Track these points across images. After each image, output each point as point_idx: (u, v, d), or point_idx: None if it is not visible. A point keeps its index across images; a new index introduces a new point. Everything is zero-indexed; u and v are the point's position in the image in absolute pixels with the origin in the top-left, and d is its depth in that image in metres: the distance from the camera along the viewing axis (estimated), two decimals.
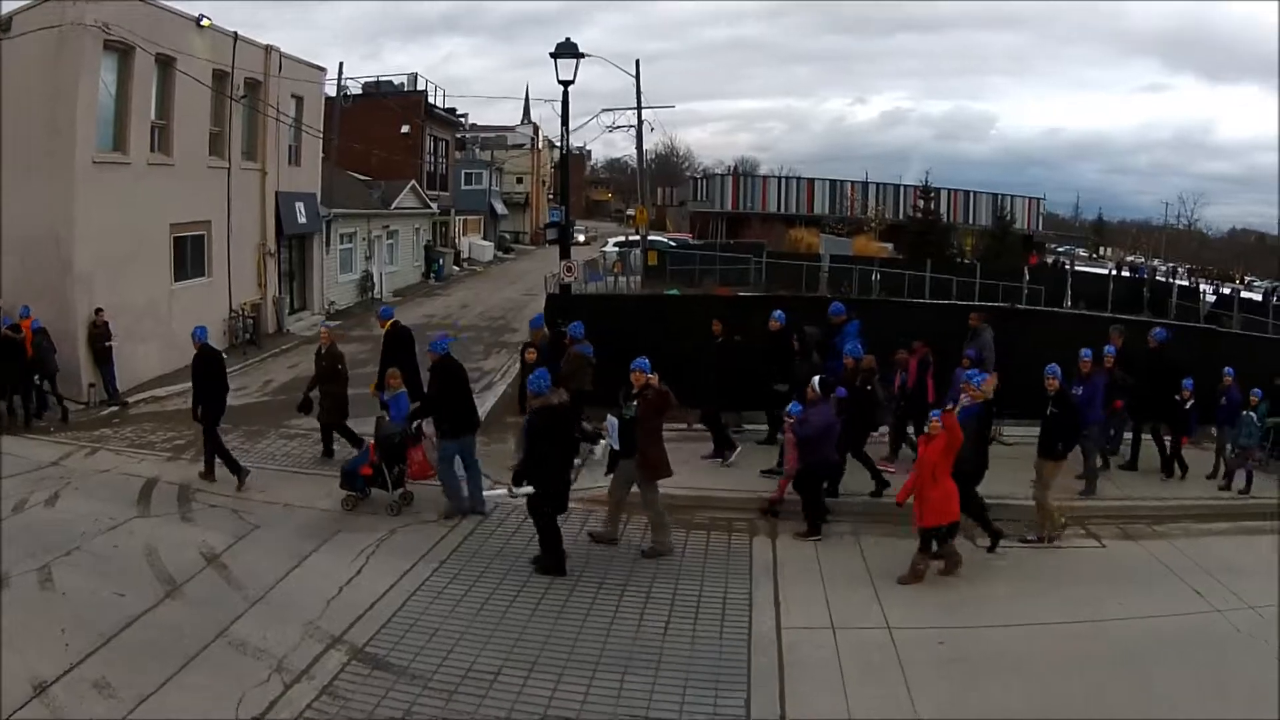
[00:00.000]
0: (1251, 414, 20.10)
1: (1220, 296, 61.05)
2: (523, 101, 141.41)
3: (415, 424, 18.68)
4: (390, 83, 68.63)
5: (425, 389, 19.11)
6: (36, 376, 24.09)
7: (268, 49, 37.95)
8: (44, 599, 13.91)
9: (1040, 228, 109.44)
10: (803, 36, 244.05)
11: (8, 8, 25.82)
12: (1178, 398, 20.32)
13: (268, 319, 38.60)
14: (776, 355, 20.79)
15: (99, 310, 26.44)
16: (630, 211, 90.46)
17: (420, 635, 13.25)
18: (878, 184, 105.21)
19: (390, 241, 57.25)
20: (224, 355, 21.57)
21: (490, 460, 19.49)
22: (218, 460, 19.91)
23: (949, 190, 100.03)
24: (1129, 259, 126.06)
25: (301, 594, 14.45)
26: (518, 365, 23.32)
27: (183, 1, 30.83)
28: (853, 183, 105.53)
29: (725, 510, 18.49)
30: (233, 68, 34.67)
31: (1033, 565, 16.42)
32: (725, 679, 12.29)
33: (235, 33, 34.73)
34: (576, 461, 18.97)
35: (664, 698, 11.81)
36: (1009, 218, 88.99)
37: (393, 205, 56.65)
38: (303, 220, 42.11)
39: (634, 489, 16.86)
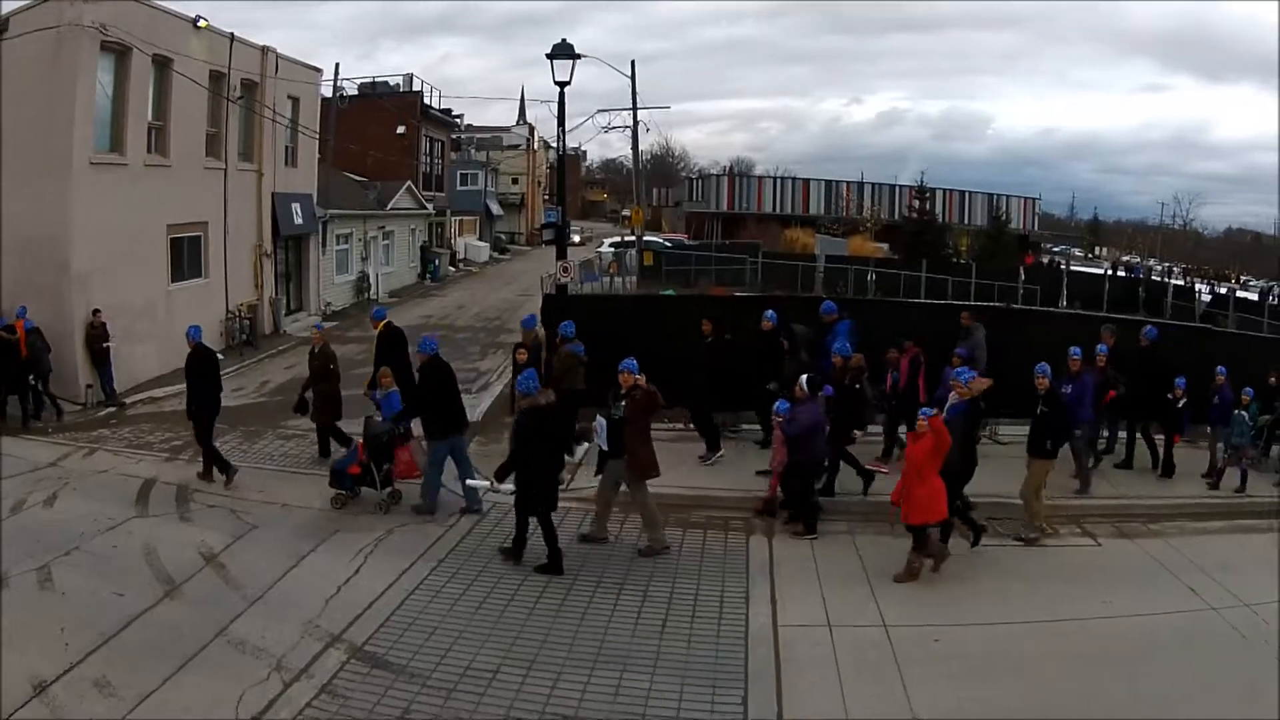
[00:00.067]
0: (1243, 413, 20.18)
1: (1215, 296, 61.08)
2: (518, 102, 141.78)
3: (403, 424, 18.77)
4: (386, 83, 68.58)
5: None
6: (31, 376, 24.07)
7: (264, 50, 37.97)
8: (43, 599, 13.96)
9: (1036, 227, 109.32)
10: (799, 36, 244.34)
11: (6, 8, 25.85)
12: (1170, 396, 20.40)
13: (264, 320, 38.58)
14: (768, 355, 20.86)
15: (96, 311, 26.44)
16: (625, 212, 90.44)
17: (419, 634, 13.33)
18: (873, 184, 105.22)
19: (386, 242, 57.25)
20: (218, 355, 21.56)
21: (489, 460, 19.48)
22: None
23: (944, 190, 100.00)
24: (1125, 259, 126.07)
25: (300, 593, 14.51)
26: (511, 366, 23.34)
27: (179, 2, 30.86)
28: (848, 183, 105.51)
29: (722, 509, 18.54)
30: (229, 69, 34.70)
31: (1028, 564, 16.49)
32: (722, 677, 12.37)
33: (232, 34, 34.78)
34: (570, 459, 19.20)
35: (661, 696, 11.88)
36: (1004, 218, 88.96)
37: (388, 206, 56.61)
38: (299, 221, 42.12)
39: (623, 489, 16.98)
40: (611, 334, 21.52)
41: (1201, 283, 79.18)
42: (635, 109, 60.21)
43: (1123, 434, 21.62)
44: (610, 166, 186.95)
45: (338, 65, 51.45)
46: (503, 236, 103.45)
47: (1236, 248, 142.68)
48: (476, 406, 26.32)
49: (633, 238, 63.33)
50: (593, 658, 12.79)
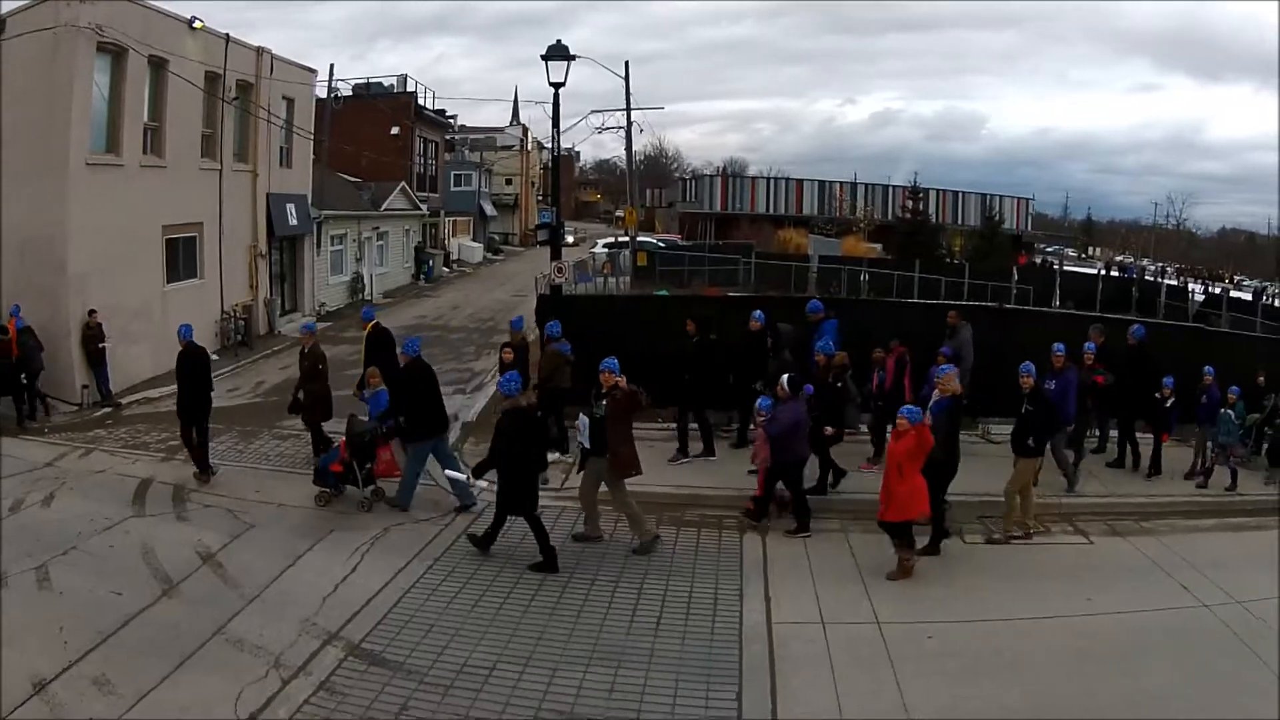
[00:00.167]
0: (1229, 411, 20.28)
1: (1209, 296, 61.21)
2: (512, 103, 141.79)
3: (386, 423, 18.91)
4: (380, 84, 68.64)
5: None
6: (23, 376, 24.11)
7: (259, 51, 38.01)
8: (42, 598, 14.01)
9: (1029, 228, 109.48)
10: (793, 37, 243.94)
11: (5, 8, 25.89)
12: (1158, 395, 20.50)
13: (259, 320, 38.66)
14: (755, 355, 20.95)
15: (93, 312, 26.48)
16: (619, 213, 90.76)
17: (415, 631, 13.42)
18: (866, 185, 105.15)
19: (380, 243, 57.30)
20: (213, 355, 21.63)
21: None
22: (208, 455, 20.14)
23: (938, 190, 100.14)
24: (1118, 259, 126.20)
25: (297, 591, 14.60)
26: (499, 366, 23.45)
27: (175, 2, 30.90)
28: (841, 183, 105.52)
29: (715, 508, 18.63)
30: (225, 69, 34.71)
31: (1021, 561, 16.60)
32: (717, 673, 12.45)
33: (227, 35, 34.79)
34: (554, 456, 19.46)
35: (656, 692, 11.97)
36: (998, 218, 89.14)
37: (383, 207, 56.66)
38: (294, 222, 42.17)
39: (602, 489, 17.10)
40: (606, 334, 21.63)
41: (1195, 283, 79.29)
42: (629, 110, 60.42)
43: (1114, 433, 21.70)
44: (604, 167, 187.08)
45: (332, 66, 51.44)
46: (496, 237, 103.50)
47: (1230, 248, 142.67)
48: (471, 406, 26.42)
49: (626, 238, 63.38)
50: (588, 655, 12.88)
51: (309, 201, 44.62)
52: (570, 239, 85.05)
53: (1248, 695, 12.00)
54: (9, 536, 15.95)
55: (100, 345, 26.53)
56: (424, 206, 65.86)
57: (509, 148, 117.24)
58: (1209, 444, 20.57)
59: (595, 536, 17.07)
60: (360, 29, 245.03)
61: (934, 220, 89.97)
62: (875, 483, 16.76)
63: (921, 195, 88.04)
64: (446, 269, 71.59)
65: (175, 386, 20.39)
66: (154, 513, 17.98)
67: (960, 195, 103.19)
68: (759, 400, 18.04)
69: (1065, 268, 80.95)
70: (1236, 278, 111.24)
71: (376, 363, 20.28)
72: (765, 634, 13.57)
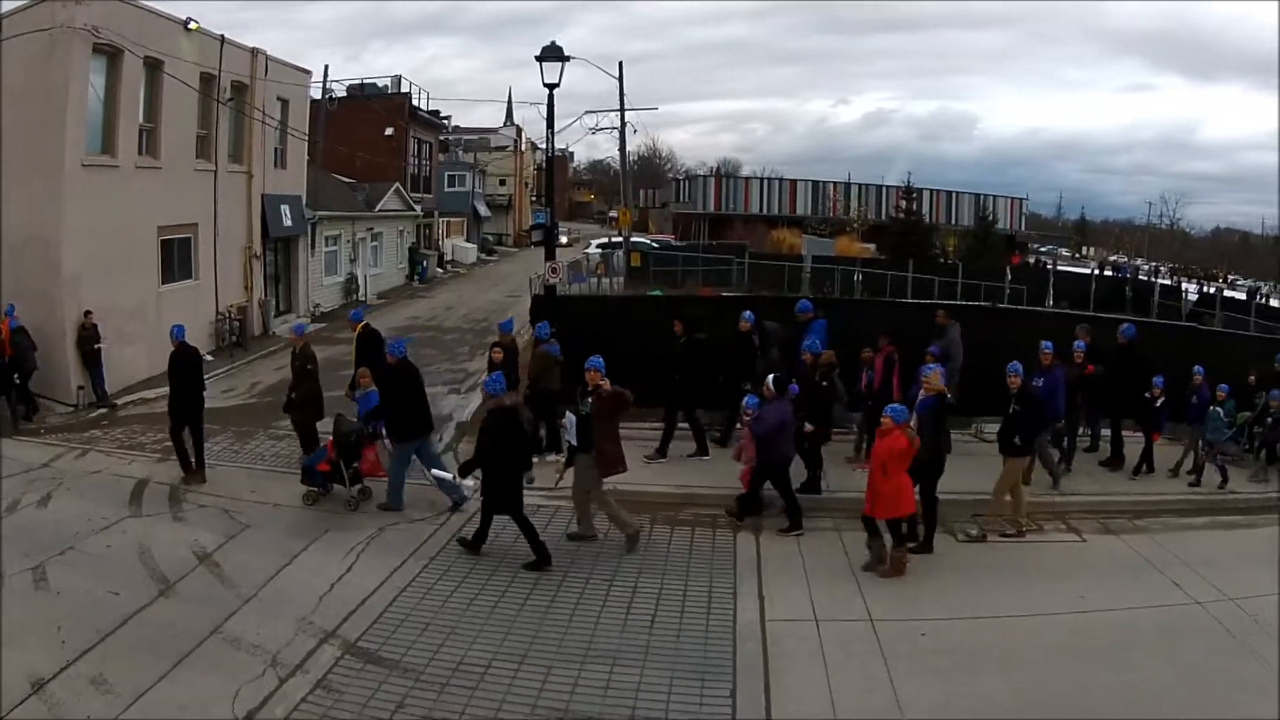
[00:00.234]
0: (1218, 409, 20.38)
1: (1202, 295, 61.30)
2: (505, 104, 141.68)
3: (373, 423, 19.03)
4: (374, 85, 68.69)
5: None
6: (16, 376, 24.12)
7: (254, 52, 38.02)
8: (39, 598, 14.05)
9: (1023, 228, 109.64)
10: (787, 37, 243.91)
11: (4, 7, 25.91)
12: (1148, 395, 20.60)
13: (254, 321, 38.64)
14: (745, 355, 21.02)
15: (88, 312, 26.47)
16: (613, 213, 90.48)
17: (411, 630, 13.48)
18: (860, 185, 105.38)
19: (374, 244, 57.31)
20: (208, 355, 21.69)
21: None
22: (200, 456, 20.24)
23: (931, 191, 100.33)
24: (1112, 259, 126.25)
25: (294, 591, 14.66)
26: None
27: (170, 2, 30.90)
28: (835, 184, 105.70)
29: (709, 507, 18.68)
30: (219, 70, 34.72)
31: (1014, 559, 16.69)
32: (711, 671, 12.52)
33: (222, 36, 34.83)
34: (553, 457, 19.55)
35: (651, 690, 12.04)
36: (991, 218, 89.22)
37: (377, 208, 56.72)
38: (288, 223, 42.20)
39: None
40: (600, 334, 21.70)
41: (1189, 282, 79.39)
42: (622, 110, 60.27)
43: (1106, 431, 21.79)
44: (597, 168, 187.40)
45: (326, 67, 51.37)
46: (490, 238, 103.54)
47: (1224, 247, 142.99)
48: (465, 406, 26.54)
49: (620, 239, 63.38)
50: (583, 653, 12.95)
51: (303, 202, 44.69)
52: (564, 239, 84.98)
53: (1240, 691, 12.09)
54: (7, 537, 15.96)
55: (96, 346, 26.51)
56: (418, 207, 65.93)
57: (503, 148, 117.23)
58: (1200, 443, 20.64)
59: (589, 536, 17.13)
60: (354, 29, 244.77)
61: (928, 220, 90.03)
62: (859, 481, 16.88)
63: (915, 195, 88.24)
64: (440, 270, 71.61)
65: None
66: (150, 513, 18.02)
67: (954, 195, 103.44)
68: (746, 399, 18.11)
69: (1059, 268, 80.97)
70: (1230, 277, 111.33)
71: (367, 363, 20.34)
72: (759, 631, 13.64)
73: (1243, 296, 62.61)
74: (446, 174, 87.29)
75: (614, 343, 20.37)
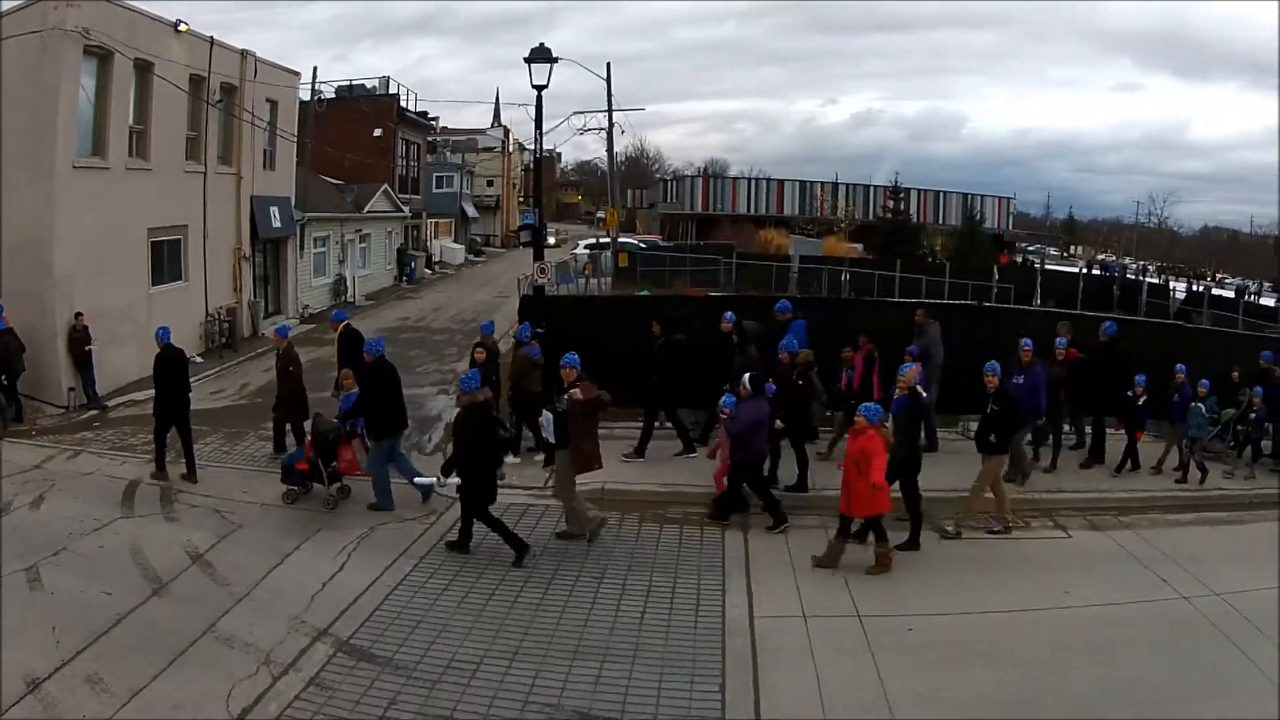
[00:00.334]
0: (1199, 405, 20.53)
1: (1190, 293, 61.58)
2: (493, 105, 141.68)
3: (350, 422, 19.15)
4: (363, 86, 68.56)
5: None
6: (3, 377, 24.16)
7: (243, 53, 38.03)
8: (34, 598, 14.11)
9: (1010, 227, 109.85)
10: (775, 37, 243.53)
11: (5, 6, 25.95)
12: (1130, 393, 20.72)
13: (243, 323, 38.66)
14: (727, 355, 21.13)
15: (79, 314, 26.51)
16: (600, 214, 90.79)
17: (403, 628, 13.60)
18: (847, 185, 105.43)
19: (363, 245, 57.28)
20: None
21: None
22: (190, 457, 20.35)
23: (919, 190, 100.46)
24: (1100, 257, 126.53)
25: (286, 590, 14.76)
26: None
27: (159, 3, 30.94)
28: (822, 184, 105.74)
29: (697, 505, 18.80)
30: (209, 72, 34.74)
31: (1000, 555, 16.82)
32: (700, 666, 12.65)
33: (212, 37, 34.85)
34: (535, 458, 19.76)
35: (641, 686, 12.16)
36: (979, 217, 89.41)
37: (365, 209, 56.63)
38: (277, 224, 42.18)
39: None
40: (588, 335, 21.87)
41: (1177, 281, 79.63)
42: (610, 111, 60.50)
43: (1090, 429, 21.93)
44: (584, 168, 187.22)
45: (315, 69, 51.55)
46: (478, 239, 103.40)
47: (1213, 246, 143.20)
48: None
49: (608, 239, 63.50)
50: (573, 649, 13.07)
51: (292, 204, 44.64)
52: (551, 240, 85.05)
53: (1224, 684, 12.27)
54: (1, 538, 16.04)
55: (87, 348, 26.56)
56: (406, 208, 65.89)
57: (490, 149, 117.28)
58: (1183, 440, 20.77)
59: (579, 534, 17.24)
60: (343, 30, 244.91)
61: (915, 220, 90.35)
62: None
63: (903, 195, 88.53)
64: (429, 271, 71.59)
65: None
66: (143, 513, 18.10)
67: (941, 195, 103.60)
68: (723, 398, 18.24)
69: (1047, 267, 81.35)
70: (1219, 276, 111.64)
71: (348, 364, 20.46)
72: (748, 627, 13.78)
73: (1231, 295, 62.90)
74: (434, 175, 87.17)
75: (603, 343, 20.57)
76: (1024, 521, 18.21)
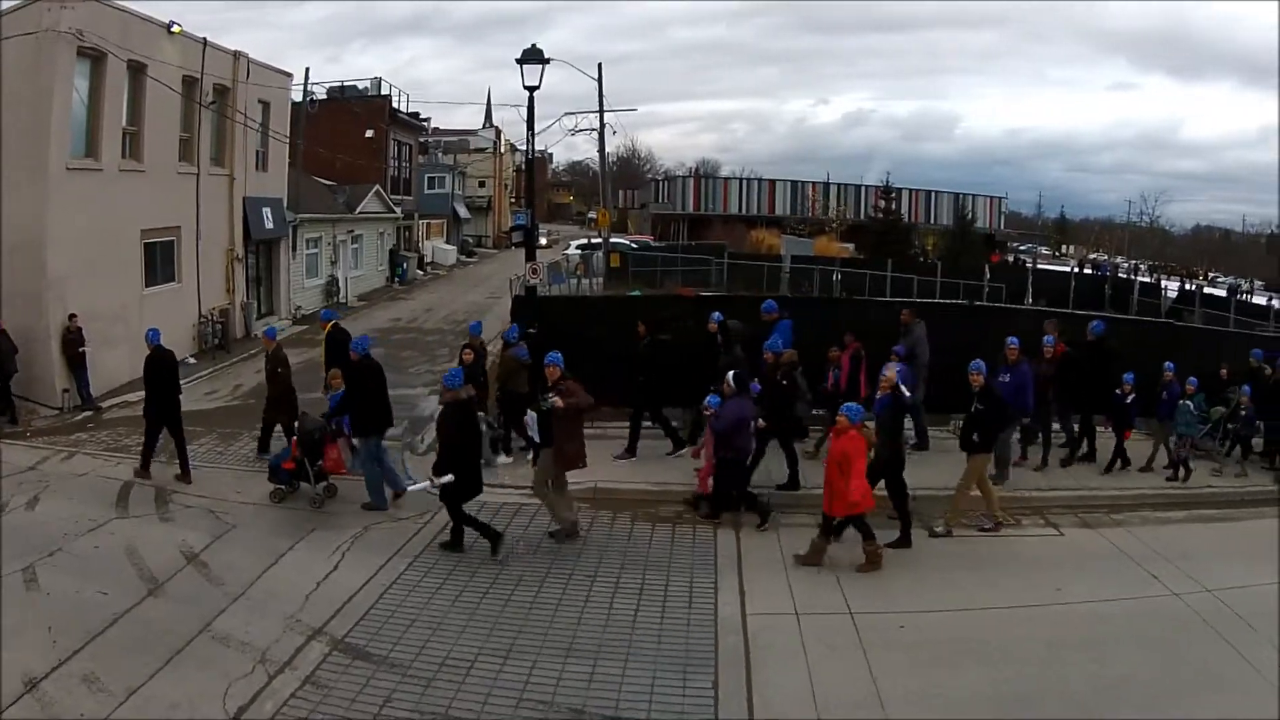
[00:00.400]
0: (1188, 403, 20.61)
1: (1182, 292, 61.71)
2: (485, 105, 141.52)
3: (334, 421, 19.31)
4: (355, 87, 68.59)
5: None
6: None
7: (236, 55, 38.11)
8: (30, 599, 14.14)
9: (1002, 226, 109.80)
10: (767, 37, 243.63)
11: (4, 5, 25.99)
12: (1118, 391, 20.80)
13: (236, 324, 38.72)
14: (713, 355, 21.20)
15: (73, 316, 26.58)
16: (592, 214, 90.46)
17: (397, 626, 13.65)
18: (839, 185, 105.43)
19: (355, 246, 57.38)
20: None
21: None
22: (184, 458, 20.45)
23: (910, 190, 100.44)
24: (1092, 256, 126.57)
25: (281, 589, 14.82)
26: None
27: (151, 3, 30.98)
28: (814, 184, 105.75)
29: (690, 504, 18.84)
30: (202, 74, 34.80)
31: (992, 553, 16.90)
32: (693, 664, 12.72)
33: (204, 39, 34.93)
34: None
35: (634, 683, 12.22)
36: (970, 217, 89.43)
37: (357, 210, 56.77)
38: (270, 225, 42.26)
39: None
40: (580, 335, 22.00)
41: (1169, 279, 79.73)
42: (601, 112, 60.38)
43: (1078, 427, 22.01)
44: (576, 169, 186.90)
45: (308, 70, 51.47)
46: (470, 239, 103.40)
47: (1205, 245, 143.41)
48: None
49: (599, 240, 63.52)
50: (566, 647, 13.13)
51: (285, 205, 44.77)
52: (543, 240, 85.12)
53: (1216, 680, 12.33)
54: None
55: (81, 349, 26.64)
56: (398, 209, 66.01)
57: (482, 150, 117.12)
58: (1172, 438, 20.86)
59: (570, 532, 17.35)
60: (334, 31, 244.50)
61: (907, 220, 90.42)
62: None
63: (894, 195, 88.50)
64: (420, 271, 71.64)
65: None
66: (137, 514, 18.15)
67: (933, 194, 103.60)
68: (708, 398, 18.32)
69: (1039, 266, 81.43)
70: (1211, 274, 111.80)
71: (337, 363, 20.53)
72: (740, 625, 13.84)
73: (1223, 294, 63.05)
74: (426, 176, 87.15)
75: (595, 344, 20.66)
76: (1016, 519, 18.34)
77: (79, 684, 11.71)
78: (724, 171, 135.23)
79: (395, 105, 70.02)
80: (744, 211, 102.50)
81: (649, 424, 21.92)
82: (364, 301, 54.10)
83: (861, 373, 21.01)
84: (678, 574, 15.69)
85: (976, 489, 17.80)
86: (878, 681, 12.19)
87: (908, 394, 17.85)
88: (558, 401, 16.47)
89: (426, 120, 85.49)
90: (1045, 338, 21.16)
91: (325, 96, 62.85)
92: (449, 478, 16.02)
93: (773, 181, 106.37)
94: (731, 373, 17.96)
